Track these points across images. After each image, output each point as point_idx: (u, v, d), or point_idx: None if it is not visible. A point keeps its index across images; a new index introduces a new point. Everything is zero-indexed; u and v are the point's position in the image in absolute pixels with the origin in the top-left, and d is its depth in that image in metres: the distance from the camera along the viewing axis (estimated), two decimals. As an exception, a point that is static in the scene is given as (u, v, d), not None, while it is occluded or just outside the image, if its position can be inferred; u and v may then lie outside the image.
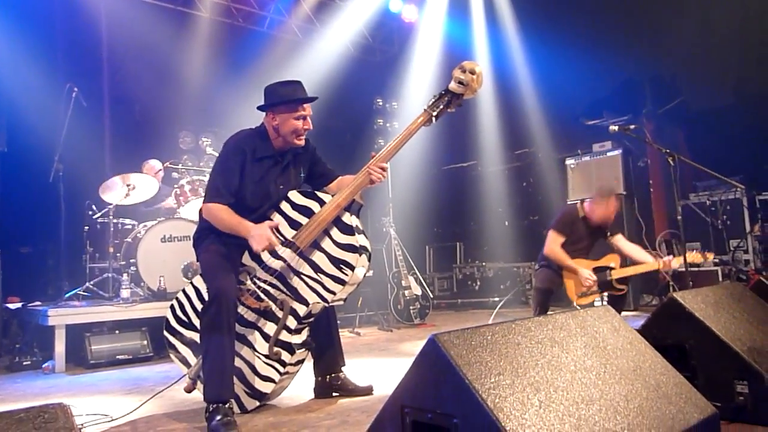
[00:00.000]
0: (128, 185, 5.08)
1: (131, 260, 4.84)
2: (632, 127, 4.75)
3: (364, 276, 2.75)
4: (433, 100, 2.85)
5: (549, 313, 4.36)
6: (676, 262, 4.30)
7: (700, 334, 2.23)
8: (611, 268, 4.38)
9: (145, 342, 4.50)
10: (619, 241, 4.53)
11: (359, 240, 2.66)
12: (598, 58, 6.39)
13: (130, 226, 5.26)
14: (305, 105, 2.79)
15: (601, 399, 1.48)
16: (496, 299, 7.35)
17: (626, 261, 4.54)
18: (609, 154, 6.68)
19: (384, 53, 8.97)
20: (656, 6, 6.81)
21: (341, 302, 2.92)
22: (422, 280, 6.68)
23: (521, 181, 8.07)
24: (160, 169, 5.69)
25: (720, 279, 5.92)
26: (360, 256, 2.64)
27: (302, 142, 2.83)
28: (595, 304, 4.39)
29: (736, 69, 6.69)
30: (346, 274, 2.62)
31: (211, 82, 6.89)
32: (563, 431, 1.31)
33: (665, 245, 6.65)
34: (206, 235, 2.77)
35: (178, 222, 5.01)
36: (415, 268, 6.63)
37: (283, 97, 2.76)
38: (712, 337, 2.20)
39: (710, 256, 4.40)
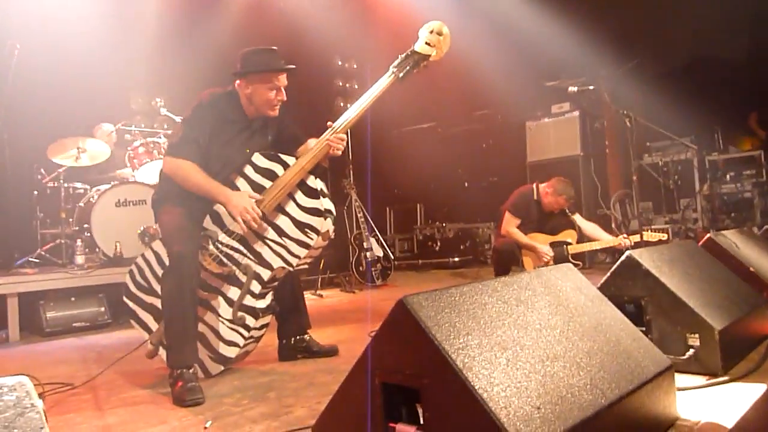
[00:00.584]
0: (79, 148, 4.88)
1: (85, 225, 4.69)
2: (590, 87, 4.81)
3: (329, 239, 2.73)
4: (399, 60, 2.79)
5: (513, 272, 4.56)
6: (632, 240, 4.46)
7: (656, 290, 2.31)
8: (568, 243, 4.58)
9: (103, 309, 4.40)
10: (578, 219, 4.73)
11: (324, 203, 2.63)
12: (558, 17, 6.39)
13: (82, 190, 5.07)
14: (280, 76, 2.71)
15: (565, 356, 1.52)
16: (456, 260, 7.47)
17: (583, 237, 4.71)
18: (567, 115, 6.76)
19: (343, 9, 8.74)
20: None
21: (305, 266, 2.91)
22: (383, 242, 6.71)
23: (481, 142, 8.12)
24: (112, 131, 5.46)
25: (670, 237, 6.15)
26: (325, 219, 2.62)
27: (275, 113, 2.76)
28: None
29: (690, 31, 6.81)
30: (311, 238, 2.60)
31: (163, 40, 6.60)
32: (530, 388, 1.34)
33: (619, 205, 6.84)
34: (166, 196, 2.70)
35: (133, 186, 4.86)
36: (375, 229, 6.65)
37: (258, 65, 2.68)
38: (667, 292, 2.29)
39: (665, 236, 4.57)
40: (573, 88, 4.74)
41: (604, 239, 4.58)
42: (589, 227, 4.71)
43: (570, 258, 4.51)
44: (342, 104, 8.14)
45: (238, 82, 2.73)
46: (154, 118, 6.87)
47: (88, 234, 4.64)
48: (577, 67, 6.80)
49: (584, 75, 6.73)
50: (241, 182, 2.69)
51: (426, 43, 2.82)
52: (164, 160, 2.70)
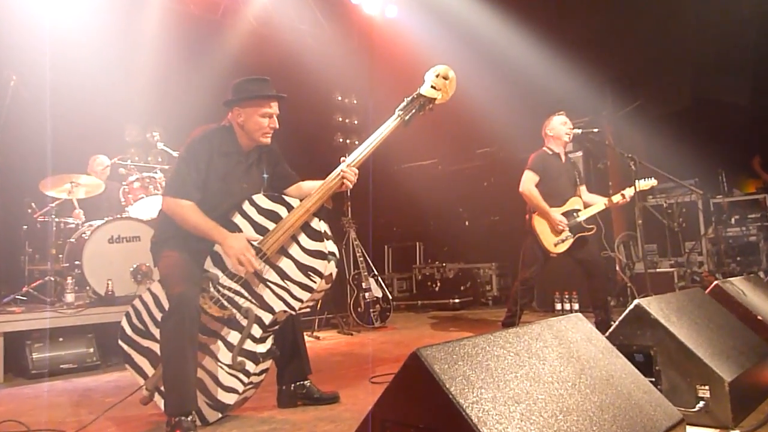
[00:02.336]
0: (72, 182, 4.94)
1: (76, 262, 4.70)
2: (595, 130, 4.94)
3: (332, 282, 2.78)
4: (405, 103, 2.89)
5: (524, 318, 4.62)
6: (629, 192, 4.65)
7: (665, 340, 2.36)
8: (577, 210, 4.71)
9: (92, 350, 4.38)
10: (584, 191, 4.89)
11: (328, 246, 2.68)
12: (561, 58, 6.57)
13: (73, 225, 5.11)
14: (272, 103, 2.80)
15: (578, 409, 1.55)
16: (457, 301, 7.49)
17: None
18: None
19: (343, 45, 8.97)
20: (616, 8, 7.06)
21: (307, 310, 2.94)
22: (382, 282, 6.74)
23: (482, 180, 8.23)
24: (107, 166, 5.54)
25: (675, 280, 6.22)
26: (328, 262, 2.66)
27: (268, 140, 2.84)
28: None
29: (692, 74, 7.01)
30: (314, 282, 2.64)
31: (161, 72, 6.73)
32: (543, 443, 1.37)
33: (623, 247, 6.92)
34: (166, 239, 2.74)
35: (127, 222, 4.90)
36: (374, 269, 6.68)
37: (250, 92, 2.76)
38: (676, 342, 2.33)
39: (655, 181, 4.73)
40: (577, 131, 4.88)
41: (604, 200, 4.74)
42: (589, 196, 4.89)
43: (583, 224, 4.64)
44: (341, 140, 8.29)
45: (230, 113, 2.81)
46: (148, 152, 6.97)
47: (79, 271, 4.65)
48: (579, 106, 6.96)
49: (587, 114, 6.88)
50: (243, 223, 2.74)
51: (432, 86, 2.93)
52: (163, 200, 2.76)
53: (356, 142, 8.34)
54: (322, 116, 8.24)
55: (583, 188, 4.92)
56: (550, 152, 4.84)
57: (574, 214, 4.68)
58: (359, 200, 7.84)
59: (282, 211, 2.72)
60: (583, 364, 1.77)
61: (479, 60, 6.84)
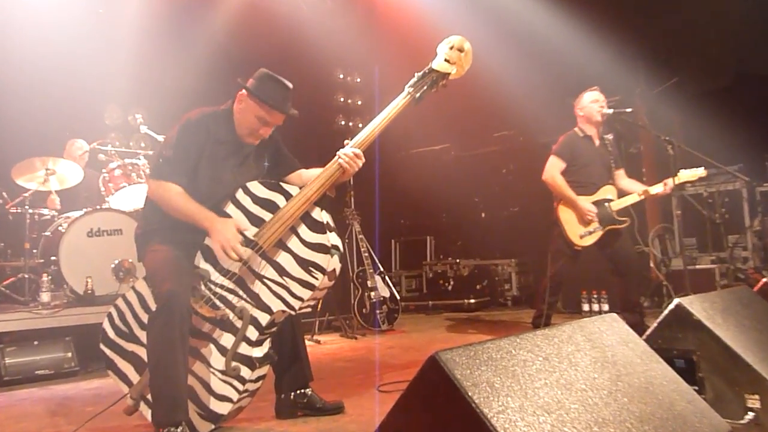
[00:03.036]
0: (47, 169, 4.94)
1: (52, 258, 4.71)
2: (628, 110, 4.89)
3: (335, 278, 2.77)
4: (416, 79, 2.87)
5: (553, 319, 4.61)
6: (686, 176, 4.59)
7: (709, 344, 2.33)
8: (609, 200, 4.66)
9: (70, 354, 4.39)
10: (621, 176, 4.85)
11: (331, 238, 2.67)
12: (589, 29, 6.51)
13: (49, 217, 5.12)
14: (276, 113, 2.79)
15: (615, 420, 1.54)
16: (472, 301, 7.47)
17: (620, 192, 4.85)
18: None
19: (346, 17, 8.92)
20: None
21: (308, 310, 2.93)
22: (389, 280, 6.73)
23: (500, 167, 8.19)
24: (86, 151, 5.53)
25: (717, 278, 6.17)
26: (331, 257, 2.65)
27: (252, 141, 2.85)
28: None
29: (737, 47, 6.92)
30: (316, 278, 2.63)
31: (144, 48, 6.71)
32: (577, 458, 1.35)
33: (658, 241, 6.88)
34: (153, 230, 2.75)
35: (108, 213, 4.91)
36: (380, 266, 6.67)
37: (263, 93, 2.76)
38: (722, 346, 2.31)
39: (703, 171, 4.66)
40: (608, 110, 4.84)
41: (641, 189, 4.71)
42: (627, 182, 4.85)
43: (615, 216, 4.60)
44: (343, 122, 8.26)
45: (237, 94, 2.82)
46: (130, 136, 6.97)
47: (56, 268, 4.66)
48: (609, 84, 6.87)
49: (618, 93, 6.81)
50: (236, 213, 2.73)
51: (445, 59, 2.90)
52: (148, 183, 2.78)
53: (360, 125, 8.30)
54: (322, 96, 8.21)
55: (620, 173, 4.89)
56: (582, 134, 4.82)
57: (606, 204, 4.65)
58: (364, 190, 7.81)
59: (280, 200, 2.71)
60: (619, 369, 1.75)
61: (498, 32, 6.78)
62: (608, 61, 6.60)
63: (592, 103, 4.78)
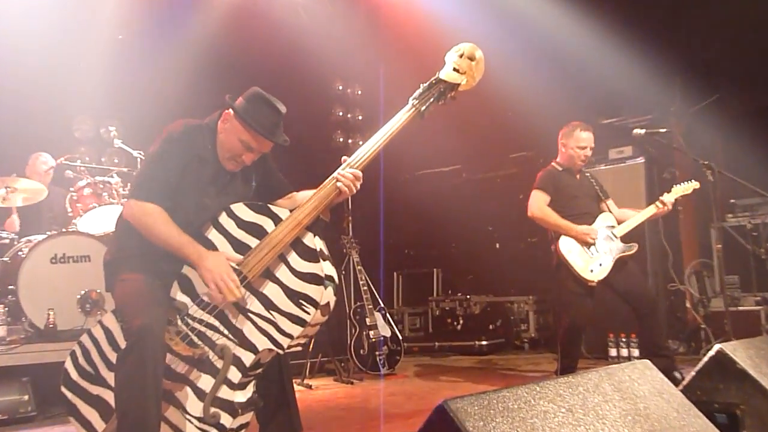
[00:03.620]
0: (8, 188, 4.96)
1: (9, 287, 4.73)
2: (662, 130, 4.92)
3: (329, 313, 2.75)
4: (421, 90, 2.88)
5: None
6: (681, 190, 4.73)
7: (755, 396, 2.31)
8: (611, 226, 4.75)
9: (27, 397, 4.36)
10: (612, 206, 4.95)
11: (324, 268, 2.65)
12: (618, 40, 6.56)
13: (7, 241, 5.12)
14: (260, 139, 2.80)
15: (648, 485, 1.51)
16: (484, 343, 7.43)
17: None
18: (629, 162, 6.83)
19: (347, 23, 9.00)
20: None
21: (298, 349, 2.90)
22: (390, 318, 6.71)
23: (517, 192, 8.14)
24: (52, 167, 5.55)
25: (763, 321, 6.13)
26: (325, 288, 2.63)
27: (233, 168, 2.85)
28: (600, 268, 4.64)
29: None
30: (308, 312, 2.60)
31: (119, 53, 6.76)
32: None
33: (695, 278, 6.85)
34: (125, 258, 2.75)
35: (74, 237, 4.92)
36: (381, 301, 6.65)
37: (249, 116, 2.76)
38: (770, 400, 2.28)
39: (696, 183, 4.78)
40: (640, 131, 4.87)
41: (642, 212, 4.82)
42: (620, 211, 4.95)
43: (621, 242, 4.68)
44: (342, 139, 8.30)
45: (224, 112, 2.83)
46: (102, 151, 6.99)
47: (13, 298, 4.67)
48: (641, 100, 6.94)
49: (651, 111, 6.85)
50: (218, 239, 2.73)
51: (454, 69, 2.91)
52: (126, 204, 2.77)
53: (360, 143, 8.33)
54: (318, 110, 8.25)
55: (610, 203, 4.98)
56: (560, 168, 4.93)
57: (609, 231, 4.73)
58: (363, 215, 7.85)
59: (267, 224, 2.70)
60: (653, 424, 1.72)
61: (516, 41, 6.85)
62: (640, 75, 6.64)
63: (578, 148, 4.85)
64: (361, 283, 6.52)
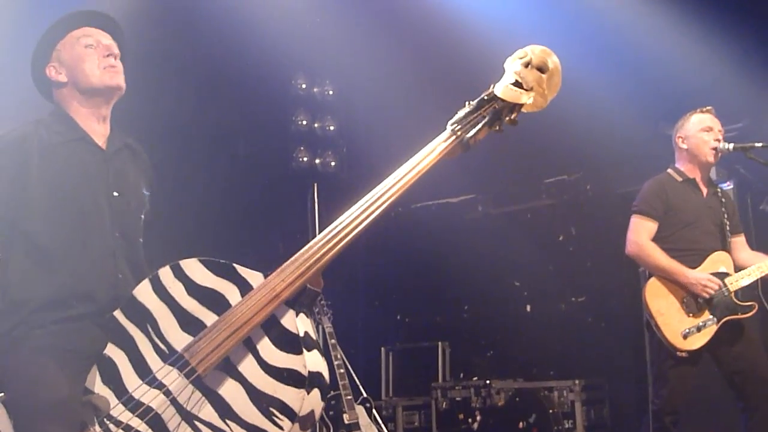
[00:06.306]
0: None
1: None
2: (758, 144, 4.97)
3: (314, 426, 2.74)
4: (467, 111, 2.81)
5: None
6: None
7: None
8: (725, 274, 4.75)
9: None
10: (742, 246, 5.03)
11: (309, 361, 2.63)
12: (698, 26, 6.65)
13: None
14: (91, 29, 3.10)
15: None
16: (513, 448, 7.41)
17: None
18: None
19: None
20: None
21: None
22: (377, 414, 6.69)
23: (556, 232, 8.23)
24: None
25: None
26: (308, 392, 2.61)
27: (114, 80, 3.07)
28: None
29: None
30: (280, 426, 2.58)
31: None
32: None
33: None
34: (15, 326, 2.78)
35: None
36: (362, 390, 6.64)
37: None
38: None
39: None
40: (726, 145, 4.92)
41: (765, 262, 4.80)
42: (748, 254, 5.00)
43: (734, 298, 4.67)
44: (306, 158, 8.26)
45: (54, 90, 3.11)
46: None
47: None
48: (727, 104, 7.00)
49: (741, 118, 6.92)
50: (156, 305, 2.75)
51: (516, 83, 2.82)
52: None
53: (333, 163, 8.36)
54: (272, 118, 8.24)
55: (740, 240, 5.03)
56: (680, 178, 4.95)
57: (722, 280, 4.71)
58: (339, 264, 7.78)
59: (231, 292, 2.71)
60: None
61: (556, 26, 6.91)
62: (725, 72, 6.73)
63: (701, 131, 4.90)
64: (336, 363, 6.50)
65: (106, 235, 2.95)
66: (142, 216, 3.19)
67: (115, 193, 3.02)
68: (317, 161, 8.39)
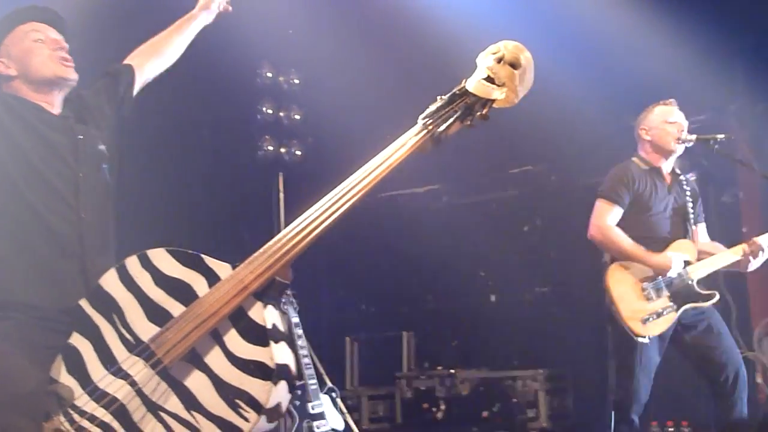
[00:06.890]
0: None
1: None
2: (720, 136, 4.99)
3: (280, 417, 2.74)
4: (438, 106, 2.80)
5: None
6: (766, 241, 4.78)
7: None
8: (687, 263, 4.79)
9: None
10: (702, 234, 5.11)
11: (276, 354, 2.62)
12: (659, 17, 6.68)
13: None
14: (38, 23, 3.17)
15: None
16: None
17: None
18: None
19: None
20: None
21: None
22: (342, 404, 6.69)
23: (521, 222, 8.25)
24: None
25: None
26: (275, 384, 2.60)
27: (67, 72, 3.17)
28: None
29: None
30: (246, 419, 2.57)
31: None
32: None
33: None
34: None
35: None
36: (327, 380, 6.64)
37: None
38: None
39: None
40: (689, 136, 4.94)
41: (722, 253, 4.89)
42: (708, 245, 5.06)
43: (696, 286, 4.73)
44: (271, 147, 8.23)
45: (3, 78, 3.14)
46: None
47: None
48: (691, 96, 7.04)
49: (704, 110, 6.97)
50: (123, 294, 2.74)
51: (488, 78, 2.81)
52: None
53: (298, 153, 8.33)
54: (237, 107, 8.21)
55: (701, 228, 5.09)
56: (645, 166, 4.98)
57: (682, 270, 4.76)
58: (304, 255, 7.78)
59: (198, 283, 2.69)
60: None
61: (524, 21, 6.90)
62: (688, 65, 6.77)
63: (664, 123, 4.93)
64: (301, 353, 6.48)
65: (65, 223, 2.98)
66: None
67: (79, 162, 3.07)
68: (282, 150, 8.36)
